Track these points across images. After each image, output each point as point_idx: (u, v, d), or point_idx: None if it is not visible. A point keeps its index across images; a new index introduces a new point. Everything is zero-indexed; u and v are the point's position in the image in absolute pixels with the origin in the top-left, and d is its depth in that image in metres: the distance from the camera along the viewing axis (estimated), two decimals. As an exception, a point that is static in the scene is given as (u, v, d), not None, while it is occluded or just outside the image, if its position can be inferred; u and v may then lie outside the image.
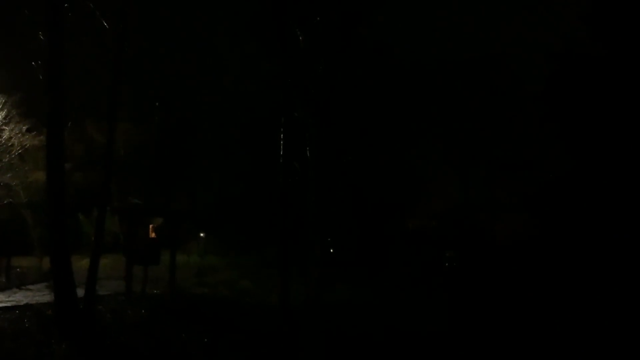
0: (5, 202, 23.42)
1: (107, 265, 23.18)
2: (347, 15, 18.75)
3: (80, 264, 17.76)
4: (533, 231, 24.24)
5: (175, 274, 21.49)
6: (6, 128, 22.28)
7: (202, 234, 34.02)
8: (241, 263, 29.54)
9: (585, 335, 14.31)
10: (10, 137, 22.46)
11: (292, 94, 17.91)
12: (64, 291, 14.03)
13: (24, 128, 22.82)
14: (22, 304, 17.32)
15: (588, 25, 18.10)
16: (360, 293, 21.76)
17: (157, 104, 20.86)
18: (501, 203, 27.51)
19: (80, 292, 14.60)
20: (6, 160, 22.57)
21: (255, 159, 23.92)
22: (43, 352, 11.76)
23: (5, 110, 22.12)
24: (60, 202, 14.27)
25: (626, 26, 17.24)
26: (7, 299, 18.49)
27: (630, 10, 17.16)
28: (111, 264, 24.91)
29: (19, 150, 22.92)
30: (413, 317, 17.47)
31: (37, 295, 19.41)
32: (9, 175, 22.72)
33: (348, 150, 22.68)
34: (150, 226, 21.52)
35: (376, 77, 20.76)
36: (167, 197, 22.44)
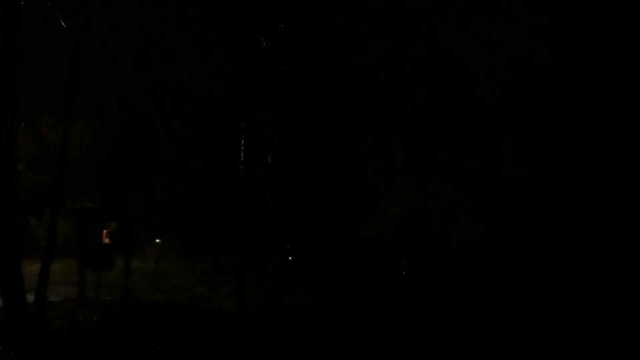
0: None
1: (59, 270, 22.52)
2: (310, 23, 18.88)
3: (31, 268, 17.21)
4: (489, 239, 24.68)
5: (130, 280, 21.08)
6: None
7: (157, 240, 33.38)
8: (198, 269, 29.07)
9: (536, 346, 14.60)
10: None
11: (255, 97, 17.82)
12: (13, 297, 13.65)
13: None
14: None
15: (545, 40, 18.71)
16: (318, 299, 21.73)
17: (115, 104, 20.45)
18: (459, 212, 28.00)
19: (31, 297, 14.22)
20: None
21: (215, 163, 23.61)
22: (-10, 360, 11.33)
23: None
24: (10, 204, 13.82)
25: (580, 42, 17.87)
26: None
27: (584, 27, 17.78)
28: (63, 269, 24.19)
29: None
30: (369, 323, 17.52)
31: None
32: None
33: (308, 157, 22.67)
34: (104, 231, 21.02)
35: (339, 85, 20.90)
36: (122, 199, 21.97)
